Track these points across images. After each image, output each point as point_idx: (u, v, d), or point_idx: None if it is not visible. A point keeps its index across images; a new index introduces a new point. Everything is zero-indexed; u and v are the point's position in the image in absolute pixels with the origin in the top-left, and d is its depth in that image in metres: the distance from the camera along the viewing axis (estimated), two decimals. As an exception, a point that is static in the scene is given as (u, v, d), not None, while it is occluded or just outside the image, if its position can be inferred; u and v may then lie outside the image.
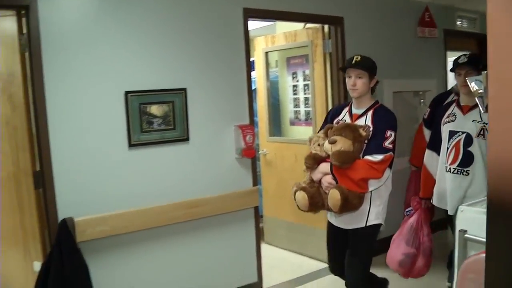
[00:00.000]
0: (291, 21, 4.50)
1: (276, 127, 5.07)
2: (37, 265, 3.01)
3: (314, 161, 2.85)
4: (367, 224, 2.90)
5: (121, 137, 3.14)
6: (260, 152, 4.89)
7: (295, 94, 4.88)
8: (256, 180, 3.74)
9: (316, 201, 2.83)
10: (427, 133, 3.95)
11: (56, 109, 2.92)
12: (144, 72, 3.22)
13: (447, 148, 3.29)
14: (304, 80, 4.72)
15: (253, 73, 4.55)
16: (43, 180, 2.96)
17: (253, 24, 4.68)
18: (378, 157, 2.74)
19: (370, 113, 2.91)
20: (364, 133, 2.77)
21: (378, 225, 2.95)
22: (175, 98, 3.33)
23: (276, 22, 5.09)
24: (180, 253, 3.45)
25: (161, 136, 3.31)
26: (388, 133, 2.79)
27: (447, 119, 3.38)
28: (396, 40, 4.69)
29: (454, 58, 3.40)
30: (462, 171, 3.22)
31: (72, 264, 2.90)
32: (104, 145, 3.10)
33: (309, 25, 4.44)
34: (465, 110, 3.31)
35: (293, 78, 4.86)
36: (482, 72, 2.67)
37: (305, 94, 4.74)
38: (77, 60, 2.99)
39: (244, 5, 3.55)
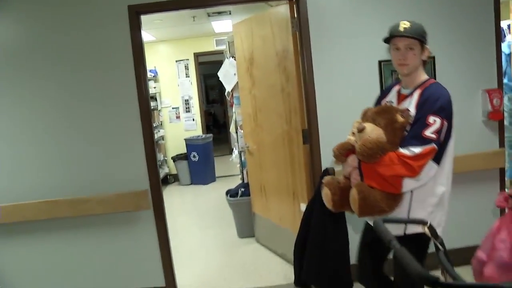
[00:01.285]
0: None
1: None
2: (303, 206, 3.67)
3: (341, 151, 2.42)
4: (406, 233, 2.36)
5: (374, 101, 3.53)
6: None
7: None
8: (503, 142, 3.74)
9: (342, 199, 2.42)
10: None
11: (321, 78, 3.52)
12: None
13: None
14: None
15: (509, 37, 4.53)
16: (310, 137, 3.61)
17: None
18: (415, 150, 2.19)
19: (417, 94, 2.34)
20: (401, 119, 2.25)
21: (424, 236, 2.23)
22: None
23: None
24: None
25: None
26: (431, 118, 2.20)
27: None
28: None
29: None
30: None
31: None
32: (360, 108, 3.58)
33: None
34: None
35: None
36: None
37: None
38: (337, 37, 3.52)
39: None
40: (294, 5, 3.59)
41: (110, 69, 3.47)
